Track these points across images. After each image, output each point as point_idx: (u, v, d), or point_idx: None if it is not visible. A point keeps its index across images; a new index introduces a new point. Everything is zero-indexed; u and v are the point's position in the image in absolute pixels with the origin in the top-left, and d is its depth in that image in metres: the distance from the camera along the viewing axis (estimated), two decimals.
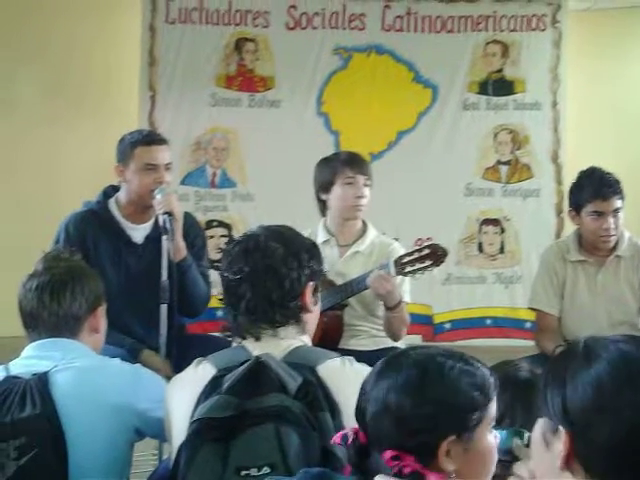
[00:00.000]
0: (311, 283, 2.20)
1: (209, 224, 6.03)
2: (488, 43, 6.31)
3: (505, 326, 6.26)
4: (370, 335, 3.67)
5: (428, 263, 3.43)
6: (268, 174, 6.10)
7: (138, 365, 2.53)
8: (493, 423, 1.64)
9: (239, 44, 6.20)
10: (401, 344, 3.65)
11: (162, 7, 6.07)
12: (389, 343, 3.61)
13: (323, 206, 3.72)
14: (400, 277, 3.50)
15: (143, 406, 2.33)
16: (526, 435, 1.73)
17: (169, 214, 3.40)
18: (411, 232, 5.85)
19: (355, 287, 3.52)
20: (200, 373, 2.11)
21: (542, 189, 6.30)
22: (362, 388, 1.66)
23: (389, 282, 3.40)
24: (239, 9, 6.16)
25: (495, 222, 6.33)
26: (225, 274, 2.19)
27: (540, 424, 1.42)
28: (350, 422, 1.94)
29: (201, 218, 5.17)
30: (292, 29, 6.20)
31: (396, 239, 3.91)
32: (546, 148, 6.30)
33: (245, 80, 6.22)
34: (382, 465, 1.57)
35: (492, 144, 6.32)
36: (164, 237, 3.39)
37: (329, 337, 3.40)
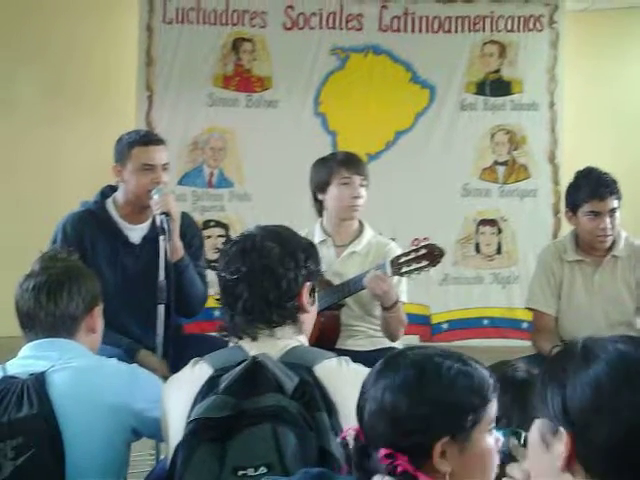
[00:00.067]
0: (308, 283, 2.20)
1: (206, 224, 6.03)
2: (485, 43, 6.31)
3: (502, 326, 6.26)
4: (367, 335, 3.67)
5: (424, 263, 3.43)
6: (265, 174, 6.10)
7: (135, 365, 2.54)
8: (493, 425, 1.64)
9: (236, 44, 6.19)
10: (398, 344, 3.65)
11: (159, 7, 6.07)
12: (386, 343, 3.61)
13: (320, 206, 3.72)
14: (397, 277, 3.50)
15: (140, 406, 2.33)
16: (523, 435, 1.72)
17: (166, 214, 3.40)
18: (408, 232, 5.85)
19: (352, 287, 3.52)
20: (197, 373, 2.12)
21: (539, 189, 6.31)
22: (362, 387, 1.66)
23: (385, 282, 3.40)
24: (236, 9, 6.16)
25: (492, 222, 6.33)
26: (222, 274, 2.19)
27: (538, 425, 1.41)
28: (347, 422, 1.95)
29: (198, 218, 5.17)
30: (289, 29, 6.20)
31: (393, 239, 3.91)
32: (543, 148, 6.30)
33: (242, 80, 6.22)
34: (379, 465, 1.57)
35: (489, 144, 6.33)
36: (161, 237, 3.39)
37: (326, 337, 3.40)
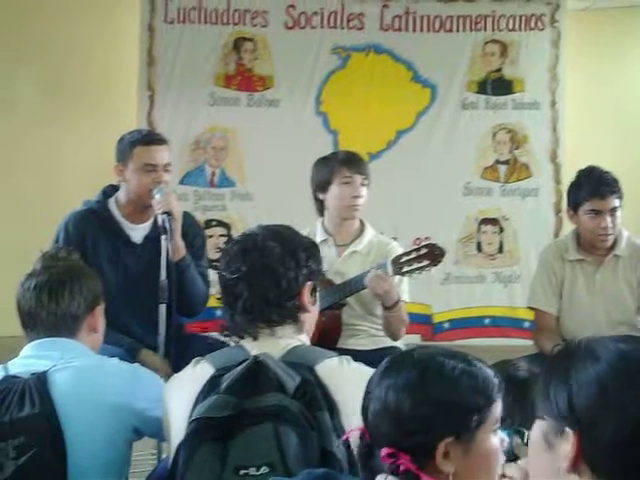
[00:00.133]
0: (309, 283, 2.20)
1: (208, 224, 6.03)
2: (487, 42, 6.31)
3: (504, 325, 6.25)
4: (369, 334, 3.67)
5: (425, 263, 3.43)
6: (267, 173, 6.10)
7: (136, 364, 2.54)
8: (498, 425, 1.64)
9: (238, 43, 6.19)
10: (400, 343, 3.65)
11: (161, 7, 6.06)
12: (388, 342, 3.61)
13: (321, 206, 3.72)
14: (398, 277, 3.50)
15: (142, 405, 2.33)
16: (526, 434, 1.72)
17: (168, 214, 3.40)
18: (410, 231, 5.84)
19: (353, 286, 3.52)
20: (198, 373, 2.12)
21: (541, 188, 6.30)
22: (367, 386, 1.66)
23: (386, 282, 3.40)
24: (238, 9, 6.16)
25: (494, 221, 6.32)
26: (223, 273, 2.19)
27: (541, 425, 1.40)
28: (348, 421, 1.95)
29: (200, 217, 5.17)
30: (291, 29, 6.20)
31: (394, 238, 3.91)
32: (545, 147, 6.30)
33: (244, 79, 6.22)
34: (383, 463, 1.57)
35: (491, 143, 6.32)
36: (163, 237, 3.39)
37: (328, 336, 3.40)
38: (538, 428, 1.41)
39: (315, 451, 1.93)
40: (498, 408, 1.63)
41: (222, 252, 2.24)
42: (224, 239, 5.98)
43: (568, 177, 3.98)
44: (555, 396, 1.37)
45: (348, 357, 2.15)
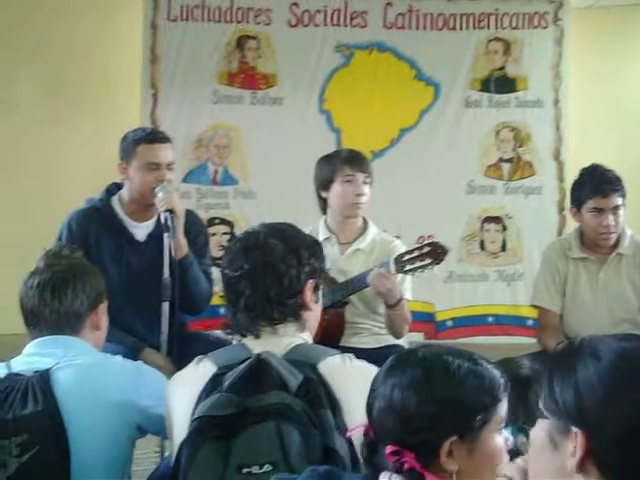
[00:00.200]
0: (311, 281, 2.20)
1: (211, 222, 6.02)
2: (490, 41, 6.30)
3: (507, 324, 6.25)
4: (372, 333, 3.67)
5: (428, 261, 3.43)
6: (270, 171, 6.09)
7: (140, 362, 2.54)
8: (502, 424, 1.64)
9: (241, 41, 6.18)
10: (403, 342, 3.65)
11: (164, 4, 6.05)
12: (391, 341, 3.61)
13: (324, 204, 3.73)
14: (401, 275, 3.50)
15: (145, 403, 2.33)
16: (530, 432, 1.72)
17: (170, 211, 3.40)
18: (413, 230, 5.84)
19: (356, 285, 3.52)
20: (201, 371, 2.11)
21: (544, 186, 6.29)
22: (372, 384, 1.67)
23: (389, 280, 3.40)
24: (241, 6, 6.15)
25: (497, 220, 6.32)
26: (225, 271, 2.19)
27: (544, 424, 1.39)
28: (351, 419, 1.95)
29: (203, 216, 5.17)
30: (294, 26, 6.19)
31: (398, 237, 3.91)
32: (548, 145, 6.29)
33: (247, 77, 6.21)
34: (387, 461, 1.57)
35: (494, 141, 6.31)
36: (165, 234, 3.39)
37: (330, 334, 3.40)
38: (542, 427, 1.40)
39: (318, 449, 1.92)
40: (503, 408, 1.63)
41: (225, 250, 2.24)
42: (227, 237, 5.97)
43: (571, 175, 3.97)
44: (560, 396, 1.36)
45: (351, 355, 2.14)
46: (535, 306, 3.90)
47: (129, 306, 3.46)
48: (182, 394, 2.11)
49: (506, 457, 1.64)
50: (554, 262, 3.83)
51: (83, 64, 6.35)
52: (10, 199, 6.24)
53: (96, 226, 3.57)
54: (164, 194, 3.43)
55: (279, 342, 2.13)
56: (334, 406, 2.01)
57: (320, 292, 2.28)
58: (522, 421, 1.84)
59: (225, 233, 6.09)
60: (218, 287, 2.73)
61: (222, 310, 4.04)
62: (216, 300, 3.68)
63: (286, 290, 2.15)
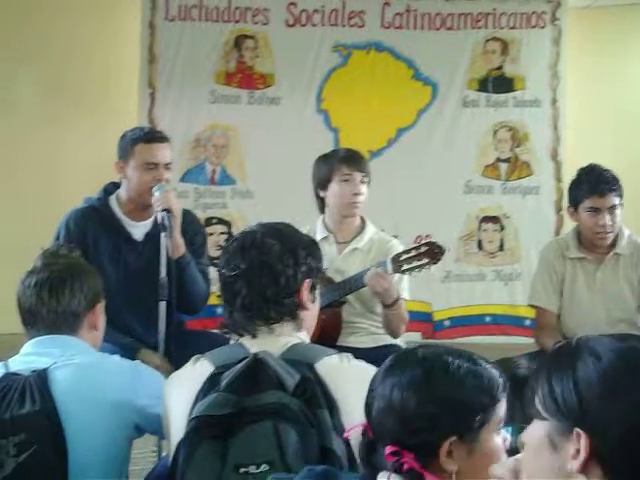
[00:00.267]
0: (308, 280, 2.20)
1: (209, 221, 6.03)
2: (488, 40, 6.30)
3: (504, 323, 6.25)
4: (369, 332, 3.67)
5: (425, 261, 3.43)
6: (268, 171, 6.09)
7: (137, 361, 2.54)
8: (501, 425, 1.64)
9: (238, 41, 6.19)
10: (400, 341, 3.65)
11: (162, 4, 6.06)
12: (388, 340, 3.61)
13: (322, 203, 3.73)
14: (398, 275, 3.50)
15: (142, 402, 2.33)
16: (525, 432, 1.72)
17: (167, 211, 3.40)
18: (411, 229, 5.85)
19: (353, 284, 3.52)
20: (198, 370, 2.11)
21: (541, 186, 6.30)
22: (370, 384, 1.66)
23: (386, 280, 3.40)
24: (238, 6, 6.15)
25: (494, 219, 6.32)
26: (222, 271, 2.19)
27: (543, 425, 1.38)
28: (348, 419, 1.95)
29: (201, 215, 5.17)
30: (292, 26, 6.20)
31: (395, 236, 3.91)
32: (546, 145, 6.29)
33: (245, 77, 6.21)
34: (386, 461, 1.57)
35: (492, 141, 6.32)
36: (162, 234, 3.39)
37: (327, 334, 3.40)
38: (540, 429, 1.38)
39: (315, 449, 1.92)
40: (502, 408, 1.63)
41: (222, 250, 2.24)
42: (225, 237, 5.98)
43: (569, 175, 3.97)
44: (561, 396, 1.35)
45: (348, 354, 2.14)
46: (533, 306, 3.90)
47: (126, 305, 3.46)
48: (179, 394, 2.11)
49: (505, 457, 1.64)
50: (551, 262, 3.83)
51: (83, 64, 6.36)
52: (9, 199, 6.24)
53: (94, 225, 3.56)
54: (161, 193, 3.43)
55: (276, 342, 2.13)
56: (331, 406, 2.00)
57: (317, 292, 2.28)
58: (520, 421, 1.83)
59: (223, 233, 6.10)
60: (215, 287, 2.73)
61: (220, 310, 4.03)
62: (213, 300, 3.67)
63: (283, 290, 2.15)
